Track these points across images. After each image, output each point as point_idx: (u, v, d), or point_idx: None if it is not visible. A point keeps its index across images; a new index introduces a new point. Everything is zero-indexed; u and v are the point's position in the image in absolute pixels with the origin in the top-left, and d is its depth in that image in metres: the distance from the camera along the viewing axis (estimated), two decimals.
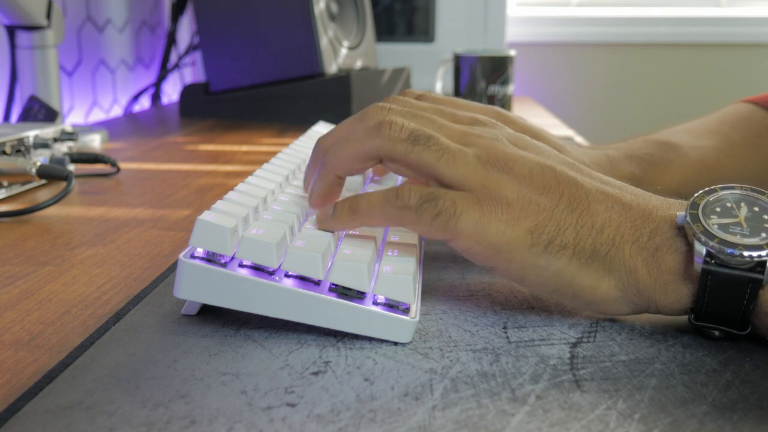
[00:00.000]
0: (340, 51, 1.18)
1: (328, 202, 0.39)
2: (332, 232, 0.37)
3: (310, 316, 0.33)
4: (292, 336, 0.34)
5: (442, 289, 0.41)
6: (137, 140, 0.99)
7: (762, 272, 0.32)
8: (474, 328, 0.35)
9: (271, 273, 0.34)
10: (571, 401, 0.28)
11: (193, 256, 0.34)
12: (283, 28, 1.12)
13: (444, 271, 0.44)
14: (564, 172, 0.36)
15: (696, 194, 0.35)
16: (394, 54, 1.50)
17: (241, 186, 0.42)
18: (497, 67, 1.06)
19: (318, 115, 1.03)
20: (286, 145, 0.76)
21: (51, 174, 0.62)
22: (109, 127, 1.09)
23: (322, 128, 0.69)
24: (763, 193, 0.35)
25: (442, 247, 0.48)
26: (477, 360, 0.32)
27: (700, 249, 0.32)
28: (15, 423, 0.26)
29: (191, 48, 1.45)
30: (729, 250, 0.32)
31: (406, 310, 0.34)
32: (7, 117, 0.95)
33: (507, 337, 0.34)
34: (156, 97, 1.44)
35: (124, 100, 1.36)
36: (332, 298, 0.33)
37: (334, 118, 1.02)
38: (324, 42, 1.11)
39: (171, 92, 1.57)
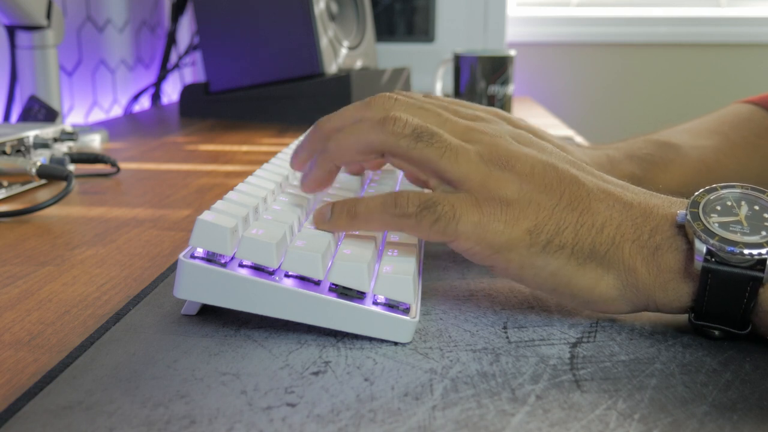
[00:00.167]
0: (340, 51, 1.18)
1: (321, 188, 0.39)
2: (331, 231, 0.37)
3: (310, 316, 0.33)
4: (292, 336, 0.34)
5: (442, 289, 0.41)
6: (137, 140, 0.99)
7: (762, 270, 0.32)
8: (474, 328, 0.35)
9: (271, 273, 0.34)
10: (571, 401, 0.28)
11: (193, 256, 0.34)
12: (283, 28, 1.12)
13: (444, 271, 0.44)
14: (566, 170, 0.36)
15: (696, 193, 0.35)
16: (394, 54, 1.50)
17: (241, 186, 0.42)
18: (497, 67, 1.06)
19: (318, 115, 1.02)
20: (286, 145, 0.76)
21: (51, 174, 0.62)
22: (109, 127, 1.09)
23: None
24: (764, 192, 0.35)
25: (442, 247, 0.48)
26: (477, 360, 0.32)
27: (701, 247, 0.32)
28: (15, 423, 0.26)
29: (191, 48, 1.45)
30: (729, 248, 0.32)
31: (406, 310, 0.34)
32: (7, 117, 0.95)
33: (507, 337, 0.34)
34: (156, 97, 1.44)
35: (124, 100, 1.36)
36: (332, 298, 0.33)
37: None
38: (324, 42, 1.11)
39: (171, 92, 1.57)
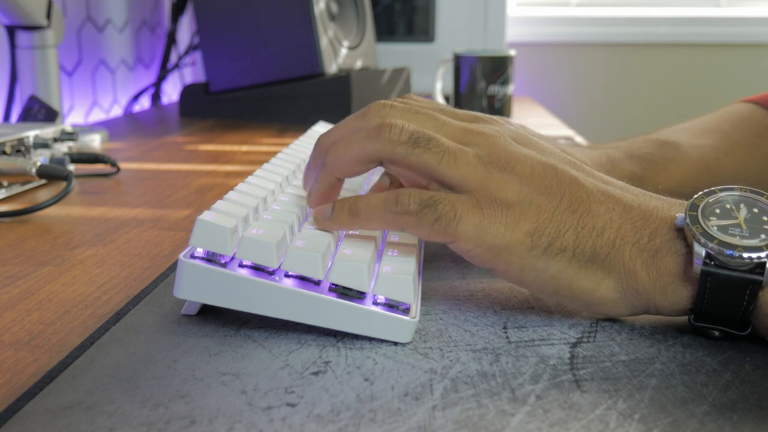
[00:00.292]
0: (340, 51, 1.18)
1: (326, 202, 0.39)
2: (330, 232, 0.37)
3: (310, 316, 0.33)
4: (292, 336, 0.34)
5: (442, 289, 0.41)
6: (137, 140, 0.99)
7: (761, 273, 0.32)
8: (474, 328, 0.35)
9: (271, 273, 0.34)
10: (571, 401, 0.28)
11: (193, 256, 0.34)
12: (283, 28, 1.12)
13: (444, 271, 0.44)
14: (566, 171, 0.36)
15: (695, 196, 0.35)
16: (394, 54, 1.50)
17: (241, 186, 0.42)
18: (497, 67, 1.06)
19: (318, 115, 1.03)
20: (286, 145, 0.76)
21: (51, 174, 0.62)
22: (109, 127, 1.09)
23: (322, 128, 0.69)
24: (763, 195, 0.35)
25: (442, 248, 0.48)
26: (477, 360, 0.32)
27: (700, 250, 0.32)
28: (15, 423, 0.26)
29: (191, 48, 1.45)
30: (728, 252, 0.32)
31: (406, 310, 0.34)
32: (7, 117, 0.95)
33: (507, 337, 0.34)
34: (156, 97, 1.44)
35: (124, 100, 1.36)
36: (332, 298, 0.33)
37: (334, 118, 1.02)
38: (324, 42, 1.11)
39: (171, 92, 1.57)
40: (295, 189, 0.45)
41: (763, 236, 0.33)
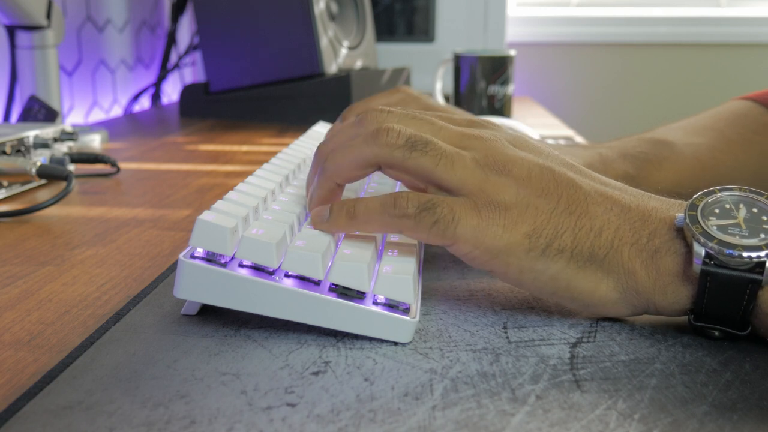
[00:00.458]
0: (340, 51, 1.18)
1: None
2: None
3: (310, 316, 0.33)
4: (292, 336, 0.34)
5: (442, 289, 0.41)
6: (137, 140, 0.99)
7: (761, 273, 0.32)
8: (474, 328, 0.35)
9: (271, 273, 0.34)
10: (571, 401, 0.28)
11: (193, 256, 0.34)
12: (283, 28, 1.12)
13: (444, 271, 0.44)
14: (563, 174, 0.36)
15: (695, 196, 0.35)
16: (394, 54, 1.50)
17: (241, 186, 0.42)
18: (497, 67, 1.06)
19: (318, 115, 1.03)
20: (286, 145, 0.76)
21: (51, 174, 0.62)
22: (109, 127, 1.09)
23: (322, 128, 0.69)
24: (762, 194, 0.35)
25: (442, 248, 0.48)
26: (477, 360, 0.32)
27: (699, 250, 0.32)
28: (15, 423, 0.26)
29: (191, 48, 1.45)
30: (728, 251, 0.32)
31: (406, 310, 0.34)
32: (7, 117, 0.95)
33: (507, 337, 0.34)
34: (156, 97, 1.44)
35: (124, 100, 1.36)
36: (332, 298, 0.33)
37: (334, 118, 1.02)
38: (324, 42, 1.11)
39: (171, 92, 1.57)
40: (295, 189, 0.45)
41: (762, 236, 0.33)
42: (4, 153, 0.63)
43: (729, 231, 0.33)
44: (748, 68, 1.91)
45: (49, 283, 0.42)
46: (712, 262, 0.32)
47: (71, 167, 0.70)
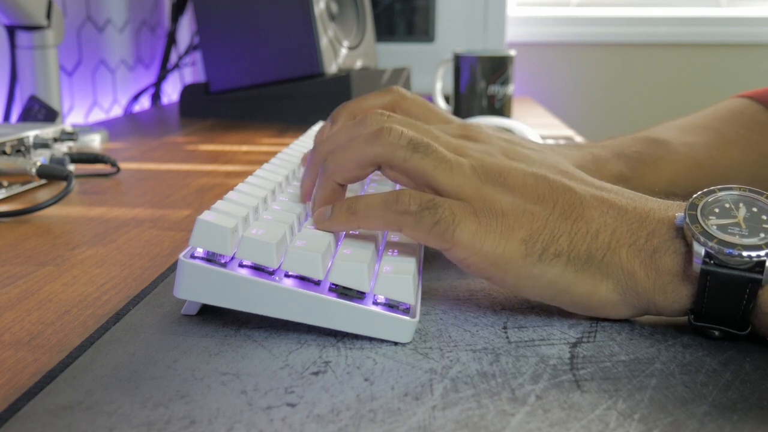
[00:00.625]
0: (340, 51, 1.18)
1: None
2: (331, 232, 0.37)
3: (310, 316, 0.33)
4: (292, 336, 0.34)
5: (442, 289, 0.41)
6: (137, 140, 0.99)
7: (761, 272, 0.32)
8: (474, 328, 0.35)
9: (271, 273, 0.34)
10: (571, 401, 0.28)
11: (193, 256, 0.34)
12: (283, 28, 1.12)
13: (444, 271, 0.44)
14: (557, 180, 0.36)
15: (694, 195, 0.35)
16: (394, 54, 1.50)
17: (241, 186, 0.42)
18: (497, 67, 1.06)
19: (318, 115, 1.03)
20: (286, 145, 0.76)
21: (51, 174, 0.62)
22: (109, 127, 1.09)
23: None
24: (762, 194, 0.35)
25: None
26: (477, 360, 0.32)
27: (699, 249, 0.32)
28: (15, 423, 0.26)
29: (191, 48, 1.45)
30: (728, 251, 0.32)
31: (406, 310, 0.34)
32: (7, 117, 0.95)
33: (507, 337, 0.34)
34: (156, 97, 1.44)
35: (124, 100, 1.36)
36: (332, 298, 0.33)
37: None
38: (324, 42, 1.11)
39: (171, 92, 1.57)
40: (295, 189, 0.45)
41: (762, 235, 0.33)
42: (4, 153, 0.63)
43: (729, 230, 0.33)
44: (748, 68, 1.91)
45: (49, 283, 0.42)
46: (712, 262, 0.32)
47: (71, 167, 0.70)
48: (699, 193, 0.35)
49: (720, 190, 0.35)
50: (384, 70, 1.25)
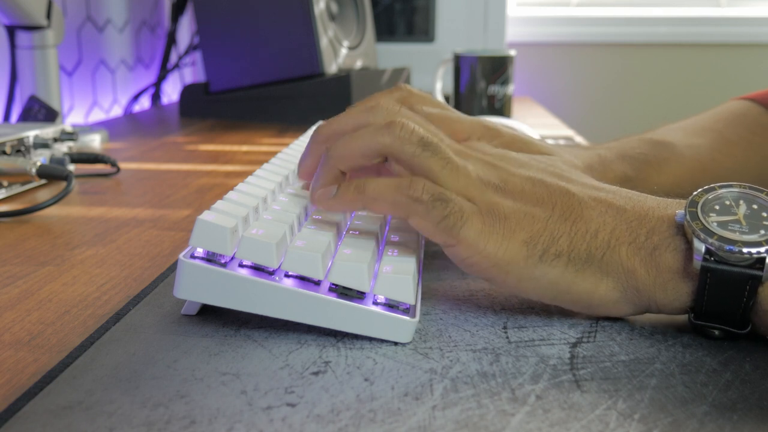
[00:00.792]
0: (340, 51, 1.18)
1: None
2: (331, 230, 0.37)
3: (310, 316, 0.33)
4: (292, 336, 0.34)
5: (442, 289, 0.41)
6: (137, 140, 0.99)
7: (761, 269, 0.32)
8: (474, 328, 0.35)
9: (271, 273, 0.34)
10: (571, 401, 0.28)
11: (193, 256, 0.34)
12: (283, 28, 1.12)
13: (444, 271, 0.44)
14: (555, 183, 0.37)
15: (695, 192, 0.35)
16: (394, 54, 1.50)
17: (241, 186, 0.42)
18: (497, 67, 1.06)
19: (318, 115, 1.03)
20: (286, 145, 0.76)
21: (51, 174, 0.62)
22: (109, 127, 1.09)
23: None
24: (762, 191, 0.35)
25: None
26: (477, 360, 0.32)
27: (699, 246, 0.33)
28: (15, 423, 0.26)
29: (191, 48, 1.45)
30: (728, 247, 0.32)
31: (406, 310, 0.34)
32: (7, 117, 0.95)
33: (507, 337, 0.34)
34: (156, 97, 1.44)
35: (124, 100, 1.36)
36: (332, 298, 0.33)
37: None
38: (324, 42, 1.11)
39: (171, 92, 1.57)
40: (295, 189, 0.45)
41: (762, 232, 0.33)
42: (4, 153, 0.63)
43: (729, 227, 0.33)
44: (748, 68, 1.91)
45: (49, 283, 0.42)
46: (712, 259, 0.32)
47: (71, 167, 0.70)
48: (699, 190, 0.35)
49: (720, 187, 0.35)
50: (384, 70, 1.25)
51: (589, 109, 1.94)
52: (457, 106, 1.09)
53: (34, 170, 0.61)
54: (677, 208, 0.35)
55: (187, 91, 1.22)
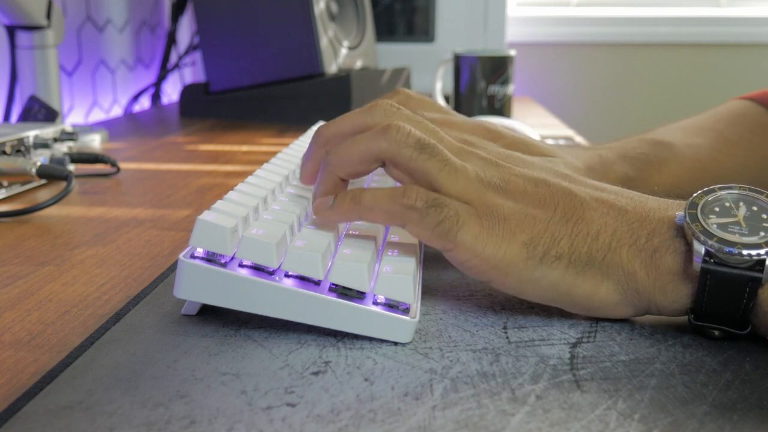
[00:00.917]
0: (340, 51, 1.18)
1: None
2: (331, 230, 0.37)
3: (310, 316, 0.33)
4: (292, 336, 0.34)
5: (442, 289, 0.41)
6: (137, 140, 0.99)
7: (761, 271, 0.32)
8: (474, 328, 0.35)
9: (271, 273, 0.34)
10: (571, 401, 0.28)
11: (193, 256, 0.34)
12: (283, 28, 1.12)
13: (444, 271, 0.44)
14: (557, 184, 0.37)
15: (694, 194, 0.35)
16: (394, 54, 1.50)
17: (241, 186, 0.42)
18: (497, 67, 1.06)
19: (318, 115, 1.03)
20: (286, 145, 0.76)
21: (51, 174, 0.62)
22: (109, 127, 1.09)
23: None
24: (762, 193, 0.35)
25: None
26: (477, 360, 0.32)
27: (699, 248, 0.32)
28: (15, 423, 0.26)
29: (191, 48, 1.45)
30: (728, 249, 0.32)
31: (406, 310, 0.34)
32: (7, 117, 0.95)
33: (507, 337, 0.34)
34: (156, 97, 1.44)
35: (124, 100, 1.36)
36: (332, 298, 0.33)
37: (334, 118, 1.02)
38: (324, 42, 1.11)
39: (171, 92, 1.57)
40: (295, 189, 0.45)
41: (762, 233, 0.33)
42: (4, 153, 0.63)
43: (729, 229, 0.33)
44: (748, 68, 1.91)
45: (49, 283, 0.42)
46: (712, 260, 0.32)
47: (71, 167, 0.70)
48: (699, 192, 0.35)
49: (720, 189, 0.35)
50: (384, 70, 1.25)
51: (589, 109, 1.94)
52: (457, 106, 1.09)
53: (34, 170, 0.61)
54: (677, 210, 0.35)
55: (187, 91, 1.22)
